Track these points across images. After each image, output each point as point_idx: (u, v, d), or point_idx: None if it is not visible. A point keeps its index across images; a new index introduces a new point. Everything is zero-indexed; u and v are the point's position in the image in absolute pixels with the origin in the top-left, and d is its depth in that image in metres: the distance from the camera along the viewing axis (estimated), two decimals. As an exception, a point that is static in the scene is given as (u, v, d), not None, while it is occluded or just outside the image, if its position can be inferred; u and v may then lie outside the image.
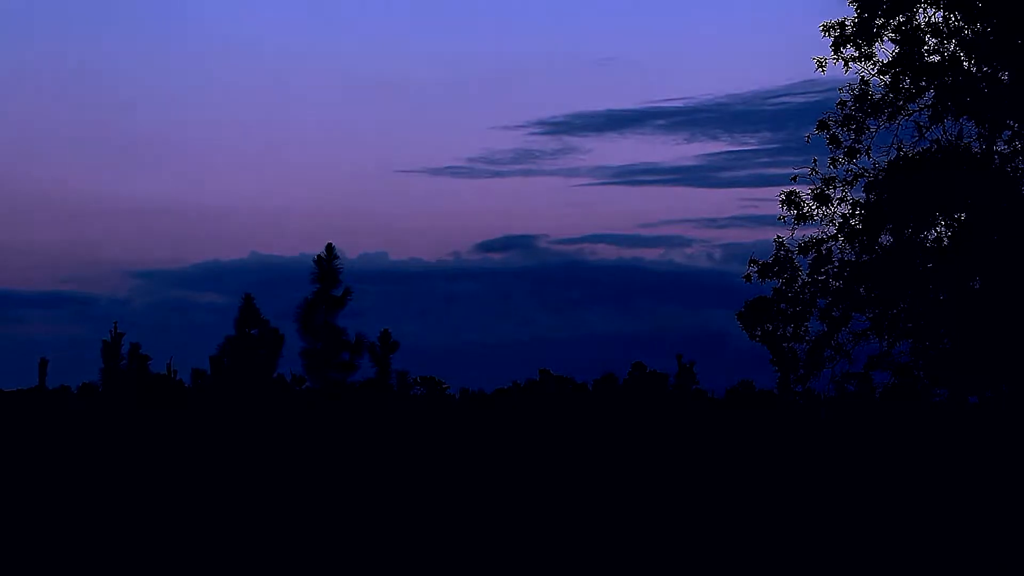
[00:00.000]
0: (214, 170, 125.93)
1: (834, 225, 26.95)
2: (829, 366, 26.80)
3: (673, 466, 33.72)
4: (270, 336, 31.72)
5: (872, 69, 26.71)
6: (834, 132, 26.87)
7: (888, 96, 26.51)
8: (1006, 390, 26.38)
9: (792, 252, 27.08)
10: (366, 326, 31.88)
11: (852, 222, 26.74)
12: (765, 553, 22.34)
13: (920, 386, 26.76)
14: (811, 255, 26.96)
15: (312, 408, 31.59)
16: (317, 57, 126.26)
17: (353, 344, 31.03)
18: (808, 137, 27.04)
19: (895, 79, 26.43)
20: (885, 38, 26.60)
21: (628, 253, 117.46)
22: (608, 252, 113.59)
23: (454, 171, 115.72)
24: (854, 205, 26.82)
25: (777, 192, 27.04)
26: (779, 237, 27.16)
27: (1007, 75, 25.84)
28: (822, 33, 26.89)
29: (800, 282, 27.00)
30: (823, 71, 27.02)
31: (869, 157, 26.83)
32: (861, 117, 26.73)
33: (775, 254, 27.14)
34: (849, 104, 26.80)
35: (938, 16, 26.22)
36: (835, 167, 26.97)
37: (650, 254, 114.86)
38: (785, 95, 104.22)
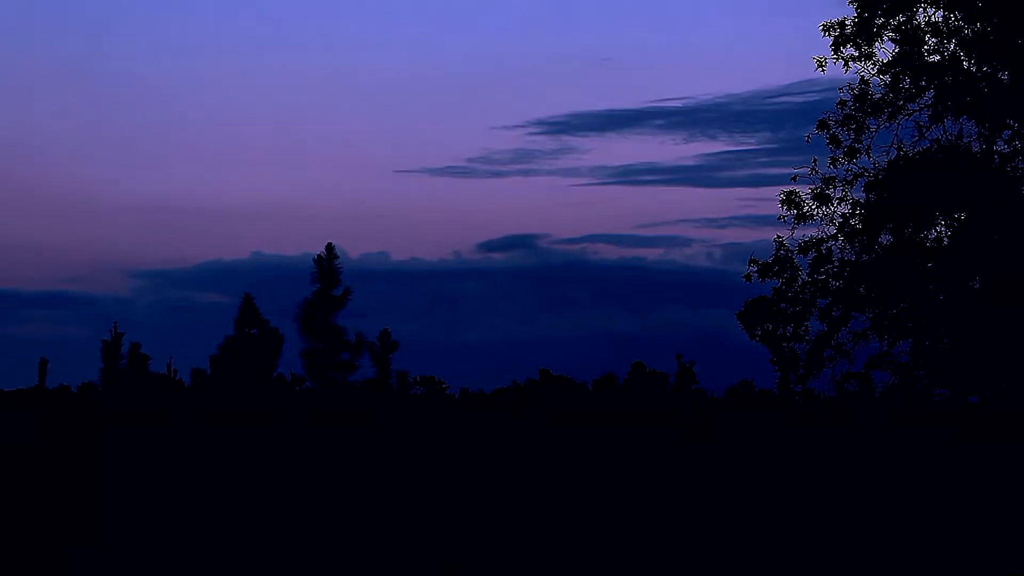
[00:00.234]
0: (215, 170, 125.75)
1: (834, 225, 26.95)
2: (829, 366, 26.81)
3: (673, 466, 33.68)
4: (270, 336, 31.74)
5: (872, 69, 26.72)
6: (834, 132, 26.87)
7: (888, 96, 26.51)
8: (1006, 390, 26.37)
9: (792, 252, 27.07)
10: (366, 326, 31.94)
11: (852, 222, 26.74)
12: (765, 553, 22.32)
13: (920, 386, 26.75)
14: (811, 255, 26.95)
15: (312, 408, 31.58)
16: (317, 57, 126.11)
17: (353, 344, 31.05)
18: (808, 137, 27.06)
19: (895, 79, 26.44)
20: (885, 38, 26.61)
21: (628, 253, 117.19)
22: (609, 252, 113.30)
23: (454, 171, 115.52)
24: (854, 205, 26.81)
25: (777, 192, 27.08)
26: (779, 237, 27.16)
27: (1007, 75, 25.85)
28: (822, 33, 26.92)
29: (800, 282, 26.99)
30: (823, 71, 27.05)
31: (869, 157, 26.85)
32: (861, 117, 26.72)
33: (775, 254, 27.13)
34: (849, 104, 26.80)
35: (938, 16, 26.24)
36: (835, 167, 26.98)
37: (650, 254, 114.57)
38: (784, 95, 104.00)
